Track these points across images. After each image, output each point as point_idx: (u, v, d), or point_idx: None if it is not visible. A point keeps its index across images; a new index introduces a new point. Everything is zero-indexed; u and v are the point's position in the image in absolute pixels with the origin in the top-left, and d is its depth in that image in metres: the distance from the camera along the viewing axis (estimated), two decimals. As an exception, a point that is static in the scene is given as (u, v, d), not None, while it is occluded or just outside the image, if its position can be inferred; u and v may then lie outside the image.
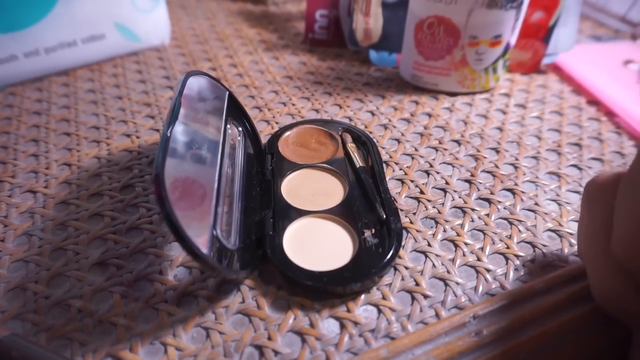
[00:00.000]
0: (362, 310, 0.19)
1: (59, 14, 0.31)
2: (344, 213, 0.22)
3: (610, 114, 0.32)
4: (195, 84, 0.22)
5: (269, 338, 0.18)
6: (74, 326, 0.18)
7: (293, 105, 0.31)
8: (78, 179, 0.25)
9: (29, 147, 0.27)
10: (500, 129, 0.30)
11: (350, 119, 0.30)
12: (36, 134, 0.28)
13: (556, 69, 0.36)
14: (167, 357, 0.17)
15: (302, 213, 0.22)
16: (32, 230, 0.22)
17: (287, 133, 0.27)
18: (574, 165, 0.27)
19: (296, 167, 0.24)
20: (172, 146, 0.17)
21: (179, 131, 0.18)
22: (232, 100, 0.25)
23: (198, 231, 0.17)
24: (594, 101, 0.33)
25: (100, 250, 0.21)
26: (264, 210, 0.22)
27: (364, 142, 0.26)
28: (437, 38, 0.31)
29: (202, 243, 0.16)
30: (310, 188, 0.23)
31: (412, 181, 0.25)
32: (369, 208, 0.22)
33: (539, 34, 0.34)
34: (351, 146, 0.26)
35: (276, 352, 0.17)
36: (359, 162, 0.24)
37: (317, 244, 0.21)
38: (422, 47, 0.32)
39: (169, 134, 0.17)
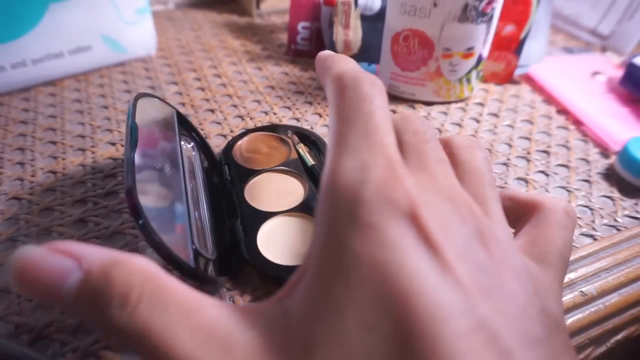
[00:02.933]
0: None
1: (46, 27, 0.32)
2: (309, 208, 0.23)
3: (577, 123, 0.33)
4: (145, 105, 0.23)
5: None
6: (56, 327, 0.18)
7: (275, 114, 0.32)
8: (63, 186, 0.26)
9: (15, 155, 0.28)
10: (473, 137, 0.31)
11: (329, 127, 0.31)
12: (22, 143, 0.29)
13: (529, 79, 0.38)
14: (146, 355, 0.18)
15: (270, 215, 0.23)
16: (17, 235, 0.22)
17: (239, 142, 0.28)
18: (542, 172, 0.29)
19: (254, 173, 0.25)
20: (137, 167, 0.18)
21: (140, 153, 0.19)
22: (180, 117, 0.26)
23: (177, 245, 0.17)
24: (563, 110, 0.34)
25: (84, 254, 0.22)
26: (232, 218, 0.23)
27: (314, 142, 0.28)
28: (413, 50, 0.32)
29: (184, 256, 0.17)
30: (273, 190, 0.25)
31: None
32: None
33: (511, 46, 0.35)
34: (301, 146, 0.27)
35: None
36: (310, 160, 0.26)
37: (290, 241, 0.22)
38: (398, 58, 0.33)
39: (133, 158, 0.18)
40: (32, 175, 0.26)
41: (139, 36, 0.37)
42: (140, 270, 0.12)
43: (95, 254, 0.12)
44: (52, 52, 0.33)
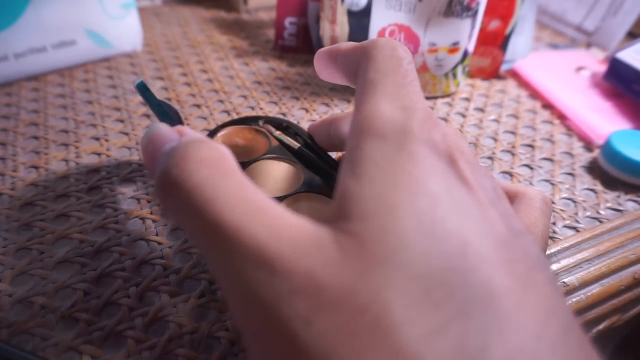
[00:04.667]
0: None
1: (28, 20, 0.31)
2: (313, 188, 0.23)
3: (562, 117, 0.33)
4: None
5: (227, 329, 0.18)
6: (37, 322, 0.18)
7: (261, 109, 0.32)
8: (45, 181, 0.25)
9: (-4, 150, 0.27)
10: (459, 131, 0.31)
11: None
12: (4, 138, 0.28)
13: (515, 74, 0.38)
14: (127, 349, 0.18)
15: (278, 199, 0.23)
16: (-3, 230, 0.22)
17: (215, 138, 0.27)
18: (526, 165, 0.29)
19: (242, 165, 0.25)
20: None
21: None
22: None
23: None
24: (548, 105, 0.35)
25: (65, 249, 0.21)
26: None
27: (287, 127, 0.27)
28: (399, 45, 0.32)
29: None
30: (269, 179, 0.24)
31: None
32: (328, 176, 0.23)
33: (496, 41, 0.36)
34: (278, 133, 0.27)
35: (233, 342, 0.18)
36: (295, 144, 0.26)
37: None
38: (384, 53, 0.33)
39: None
40: (14, 170, 0.26)
41: (125, 31, 0.37)
42: (218, 149, 0.13)
43: (192, 133, 0.14)
44: (35, 47, 0.32)
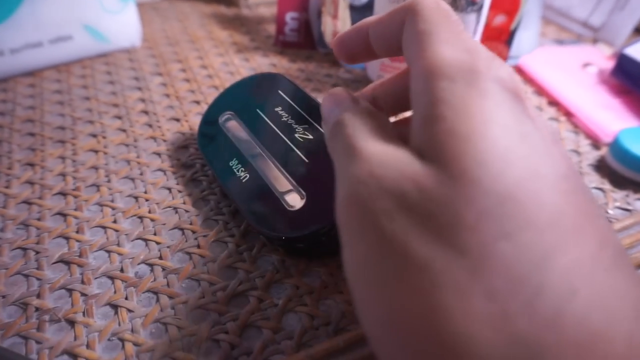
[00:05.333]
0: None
1: (24, 15, 0.31)
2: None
3: (568, 115, 0.33)
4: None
5: (227, 332, 0.18)
6: (31, 324, 0.18)
7: (262, 105, 0.32)
8: (41, 179, 0.25)
9: (-9, 147, 0.27)
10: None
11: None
12: (-1, 135, 0.28)
13: (520, 70, 0.37)
14: (124, 352, 0.17)
15: None
16: (-8, 230, 0.22)
17: None
18: (533, 163, 0.28)
19: None
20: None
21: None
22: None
23: None
24: (554, 102, 0.34)
25: (62, 249, 0.21)
26: None
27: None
28: (402, 40, 0.32)
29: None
30: None
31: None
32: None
33: (501, 37, 0.35)
34: None
35: (233, 346, 0.17)
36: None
37: None
38: (388, 49, 0.32)
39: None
40: (9, 168, 0.25)
41: (123, 26, 0.36)
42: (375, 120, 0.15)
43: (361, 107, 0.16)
44: (31, 42, 0.32)
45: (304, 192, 0.20)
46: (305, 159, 0.22)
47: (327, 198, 0.18)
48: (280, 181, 0.22)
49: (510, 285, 0.10)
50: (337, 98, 0.17)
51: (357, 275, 0.12)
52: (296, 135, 0.23)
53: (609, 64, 0.37)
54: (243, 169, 0.23)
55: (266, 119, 0.24)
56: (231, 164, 0.23)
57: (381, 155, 0.13)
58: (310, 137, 0.22)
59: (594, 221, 0.12)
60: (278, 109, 0.24)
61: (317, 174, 0.21)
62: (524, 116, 0.13)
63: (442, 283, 0.11)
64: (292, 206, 0.20)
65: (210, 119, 0.26)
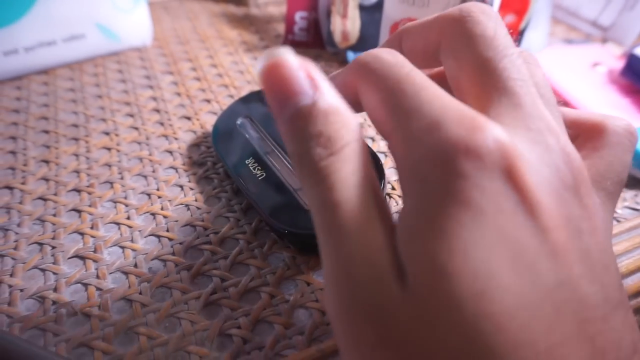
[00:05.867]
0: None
1: (38, 13, 0.31)
2: None
3: (577, 114, 0.33)
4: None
5: (239, 327, 0.18)
6: (48, 317, 0.18)
7: (271, 104, 0.32)
8: (56, 176, 0.25)
9: (6, 144, 0.27)
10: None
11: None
12: (14, 132, 0.28)
13: (528, 70, 0.38)
14: (139, 345, 0.17)
15: None
16: (8, 225, 0.22)
17: None
18: (541, 163, 0.28)
19: None
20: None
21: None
22: None
23: None
24: (563, 102, 0.34)
25: (77, 244, 0.21)
26: None
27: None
28: (411, 40, 0.32)
29: None
30: None
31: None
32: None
33: (510, 36, 0.35)
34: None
35: (245, 340, 0.18)
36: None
37: None
38: (397, 48, 0.33)
39: None
40: (24, 165, 0.26)
41: (134, 25, 0.37)
42: (354, 128, 0.12)
43: (328, 94, 0.13)
44: (45, 40, 0.32)
45: None
46: None
47: None
48: (296, 179, 0.22)
49: None
50: (290, 82, 0.12)
51: None
52: None
53: (619, 64, 0.36)
54: (259, 167, 0.23)
55: None
56: (247, 162, 0.24)
57: (358, 248, 0.11)
58: None
59: None
60: None
61: None
62: (519, 211, 0.10)
63: None
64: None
65: (226, 120, 0.27)
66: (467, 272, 0.10)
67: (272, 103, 0.13)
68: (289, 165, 0.23)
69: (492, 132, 0.11)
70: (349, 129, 0.12)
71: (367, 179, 0.12)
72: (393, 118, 0.12)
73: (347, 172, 0.12)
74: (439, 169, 0.11)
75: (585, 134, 0.15)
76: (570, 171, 0.11)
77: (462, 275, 0.10)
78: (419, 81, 0.12)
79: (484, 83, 0.13)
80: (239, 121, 0.26)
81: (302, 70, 0.13)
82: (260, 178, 0.23)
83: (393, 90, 0.12)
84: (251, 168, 0.23)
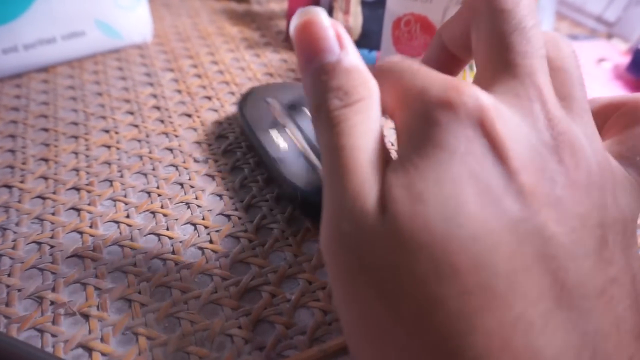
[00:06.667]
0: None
1: (38, 10, 0.31)
2: None
3: (583, 110, 0.32)
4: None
5: (240, 327, 0.18)
6: (46, 317, 0.18)
7: (273, 101, 0.32)
8: (55, 174, 0.25)
9: (5, 142, 0.27)
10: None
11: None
12: (13, 130, 0.28)
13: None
14: (138, 346, 0.17)
15: None
16: (7, 224, 0.22)
17: None
18: (546, 160, 0.28)
19: None
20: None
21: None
22: None
23: None
24: (568, 98, 0.34)
25: (76, 243, 0.21)
26: None
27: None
28: (414, 35, 0.31)
29: None
30: None
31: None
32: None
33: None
34: None
35: (246, 341, 0.17)
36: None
37: None
38: (399, 44, 0.32)
39: None
40: (23, 163, 0.26)
41: (135, 22, 0.36)
42: (371, 86, 0.14)
43: (352, 53, 0.14)
44: (45, 37, 0.32)
45: None
46: None
47: None
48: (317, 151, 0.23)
49: None
50: (318, 40, 0.14)
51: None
52: None
53: (624, 60, 0.36)
54: (282, 139, 0.25)
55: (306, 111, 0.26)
56: (271, 132, 0.25)
57: (351, 184, 0.12)
58: None
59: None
60: None
61: None
62: (488, 154, 0.12)
63: None
64: None
65: (253, 96, 0.28)
66: (439, 199, 0.11)
67: (300, 57, 0.14)
68: (311, 140, 0.24)
69: (471, 91, 0.12)
70: (365, 87, 0.13)
71: (373, 130, 0.13)
72: (397, 100, 0.14)
73: (356, 122, 0.13)
74: (419, 121, 0.12)
75: (618, 113, 0.16)
76: (551, 134, 0.12)
77: (434, 202, 0.11)
78: (416, 66, 0.14)
79: (491, 59, 0.14)
80: (268, 99, 0.27)
81: (331, 29, 0.14)
82: (282, 148, 0.24)
83: (398, 79, 0.14)
84: (274, 137, 0.25)
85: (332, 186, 0.13)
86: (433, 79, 0.13)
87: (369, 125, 0.13)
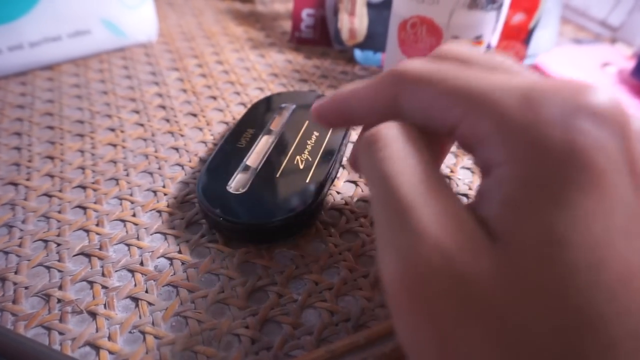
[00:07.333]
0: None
1: (44, 9, 0.31)
2: None
3: (587, 114, 0.32)
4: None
5: (247, 327, 0.18)
6: (53, 315, 0.18)
7: (278, 102, 0.32)
8: (61, 172, 0.25)
9: (11, 140, 0.27)
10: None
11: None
12: (19, 127, 0.28)
13: (537, 70, 0.37)
14: (145, 344, 0.17)
15: None
16: (13, 221, 0.22)
17: None
18: (551, 163, 0.28)
19: None
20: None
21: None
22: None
23: None
24: (572, 102, 0.34)
25: (82, 241, 0.21)
26: None
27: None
28: (420, 38, 0.31)
29: None
30: None
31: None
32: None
33: (520, 35, 0.35)
34: None
35: (254, 340, 0.17)
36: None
37: None
38: (405, 46, 0.32)
39: None
40: (29, 161, 0.26)
41: (140, 21, 0.36)
42: (396, 128, 0.14)
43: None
44: (50, 36, 0.32)
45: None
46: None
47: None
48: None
49: None
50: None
51: None
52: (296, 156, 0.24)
53: (629, 64, 0.36)
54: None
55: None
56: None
57: (429, 215, 0.11)
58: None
59: None
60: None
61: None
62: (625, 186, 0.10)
63: None
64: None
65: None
66: (587, 241, 0.09)
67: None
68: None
69: (601, 91, 0.10)
70: (393, 130, 0.13)
71: (421, 154, 0.13)
72: (464, 101, 0.12)
73: (398, 152, 0.12)
74: (554, 129, 0.10)
75: None
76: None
77: (581, 245, 0.09)
78: (466, 66, 0.13)
79: None
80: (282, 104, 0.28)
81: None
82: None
83: (451, 79, 0.13)
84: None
85: (396, 218, 0.11)
86: (521, 79, 0.11)
87: (413, 149, 0.13)
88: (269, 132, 0.25)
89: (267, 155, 0.23)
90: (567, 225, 0.09)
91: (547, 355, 0.09)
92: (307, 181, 0.22)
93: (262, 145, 0.24)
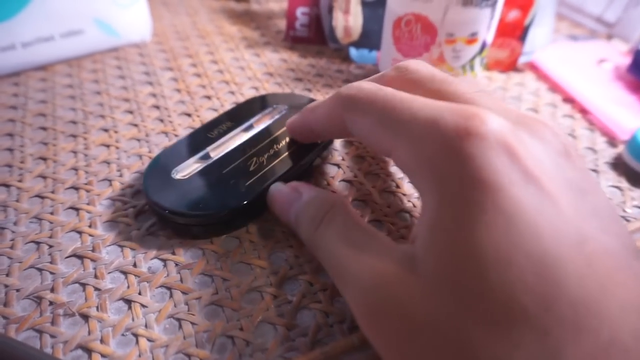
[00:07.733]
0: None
1: (36, 8, 0.31)
2: None
3: (583, 112, 0.32)
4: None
5: (241, 329, 0.18)
6: (45, 318, 0.18)
7: (273, 101, 0.32)
8: (53, 173, 0.25)
9: (3, 141, 0.27)
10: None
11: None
12: (11, 128, 0.28)
13: (533, 67, 0.37)
14: (138, 347, 0.17)
15: None
16: (5, 223, 0.22)
17: None
18: (547, 161, 0.28)
19: None
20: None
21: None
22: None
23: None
24: (568, 99, 0.34)
25: (75, 243, 0.21)
26: None
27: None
28: (415, 35, 0.31)
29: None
30: None
31: (388, 175, 0.25)
32: None
33: (515, 32, 0.34)
34: None
35: (248, 342, 0.17)
36: None
37: None
38: (400, 44, 0.32)
39: None
40: (22, 162, 0.25)
41: (133, 20, 0.36)
42: (331, 201, 0.17)
43: (311, 191, 0.19)
44: (43, 36, 0.32)
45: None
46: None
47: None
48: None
49: None
50: (283, 199, 0.19)
51: None
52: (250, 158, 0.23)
53: (625, 60, 0.36)
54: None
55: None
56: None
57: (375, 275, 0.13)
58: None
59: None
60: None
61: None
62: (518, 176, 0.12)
63: None
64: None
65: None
66: (491, 253, 0.11)
67: (283, 219, 0.20)
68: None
69: (487, 114, 0.12)
70: (327, 204, 0.17)
71: (355, 219, 0.16)
72: (392, 132, 0.14)
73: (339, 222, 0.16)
74: (447, 158, 0.12)
75: None
76: (560, 141, 0.13)
77: (487, 257, 0.11)
78: (406, 96, 0.14)
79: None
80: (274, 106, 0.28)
81: (288, 189, 0.19)
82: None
83: (384, 110, 0.14)
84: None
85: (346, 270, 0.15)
86: (438, 107, 0.13)
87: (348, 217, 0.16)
88: (249, 129, 0.25)
89: (229, 150, 0.23)
90: (472, 242, 0.11)
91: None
92: (245, 184, 0.21)
93: (233, 139, 0.24)
